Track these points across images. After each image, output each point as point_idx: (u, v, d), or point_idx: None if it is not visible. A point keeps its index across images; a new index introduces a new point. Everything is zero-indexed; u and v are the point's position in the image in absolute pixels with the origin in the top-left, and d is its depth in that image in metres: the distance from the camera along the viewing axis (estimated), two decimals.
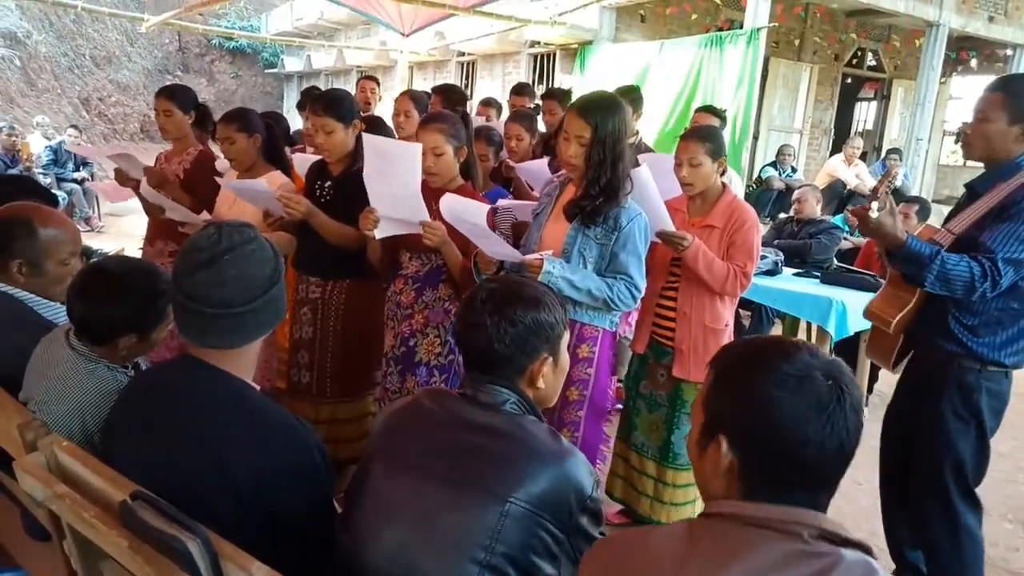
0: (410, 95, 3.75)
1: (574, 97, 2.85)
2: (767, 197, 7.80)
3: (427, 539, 1.18)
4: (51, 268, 1.82)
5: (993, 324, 2.07)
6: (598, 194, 2.19)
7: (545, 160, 3.25)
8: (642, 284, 2.27)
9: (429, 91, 4.29)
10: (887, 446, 2.42)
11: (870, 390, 4.53)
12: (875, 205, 2.00)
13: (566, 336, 1.43)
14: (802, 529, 0.88)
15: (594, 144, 2.15)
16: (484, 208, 2.25)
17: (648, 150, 3.80)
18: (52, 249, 1.82)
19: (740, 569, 0.84)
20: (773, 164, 8.08)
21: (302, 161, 3.11)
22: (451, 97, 3.91)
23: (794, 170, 8.12)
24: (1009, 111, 2.00)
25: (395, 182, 2.26)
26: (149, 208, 3.25)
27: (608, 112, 2.16)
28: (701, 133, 2.60)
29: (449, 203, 2.20)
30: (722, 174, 2.60)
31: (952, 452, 2.15)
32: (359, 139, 2.70)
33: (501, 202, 2.81)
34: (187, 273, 1.25)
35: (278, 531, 1.25)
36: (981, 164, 2.17)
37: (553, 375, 1.41)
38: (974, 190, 2.16)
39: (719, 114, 3.95)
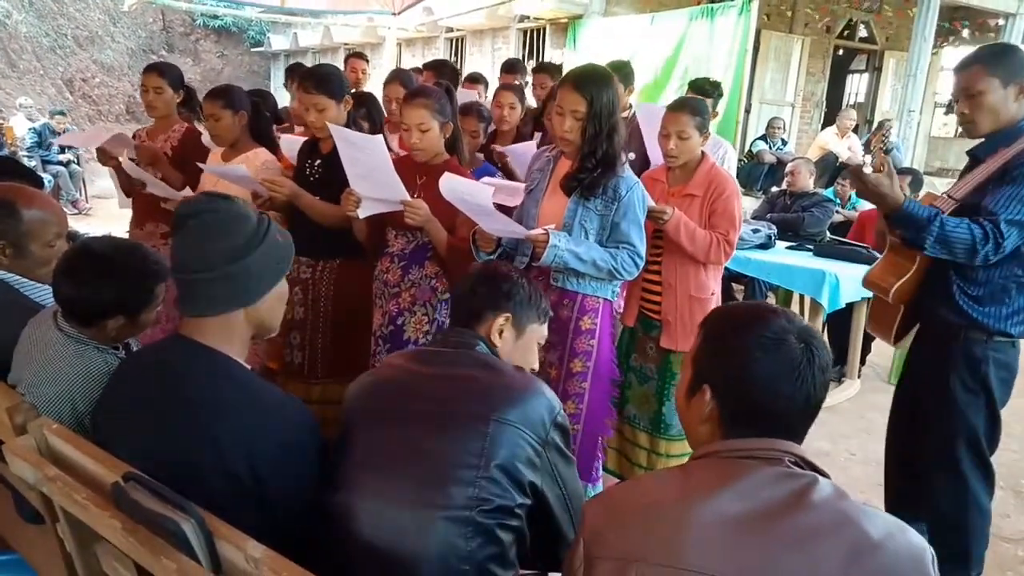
0: (401, 82, 3.67)
1: (565, 72, 2.81)
2: (759, 171, 7.77)
3: (413, 479, 1.24)
4: (36, 250, 1.80)
5: (999, 293, 2.05)
6: (595, 166, 2.18)
7: (532, 143, 3.22)
8: (643, 251, 2.28)
9: (420, 67, 4.22)
10: (897, 419, 2.39)
11: (863, 361, 4.56)
12: (868, 159, 1.99)
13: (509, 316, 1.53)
14: (782, 455, 1.00)
15: (590, 117, 2.14)
16: (487, 188, 2.23)
17: None
18: (36, 231, 1.79)
19: (737, 490, 0.94)
20: (763, 137, 8.04)
21: (289, 143, 3.06)
22: (443, 73, 3.85)
23: (784, 143, 8.07)
24: (998, 76, 2.00)
25: (369, 166, 2.25)
26: (128, 186, 3.23)
27: (602, 84, 2.15)
28: (691, 106, 2.56)
29: (448, 182, 2.17)
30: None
31: (965, 425, 2.13)
32: (350, 115, 2.67)
33: (487, 179, 2.78)
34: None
35: (273, 509, 1.24)
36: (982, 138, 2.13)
37: (513, 342, 1.53)
38: (977, 157, 2.14)
39: (711, 91, 3.84)
